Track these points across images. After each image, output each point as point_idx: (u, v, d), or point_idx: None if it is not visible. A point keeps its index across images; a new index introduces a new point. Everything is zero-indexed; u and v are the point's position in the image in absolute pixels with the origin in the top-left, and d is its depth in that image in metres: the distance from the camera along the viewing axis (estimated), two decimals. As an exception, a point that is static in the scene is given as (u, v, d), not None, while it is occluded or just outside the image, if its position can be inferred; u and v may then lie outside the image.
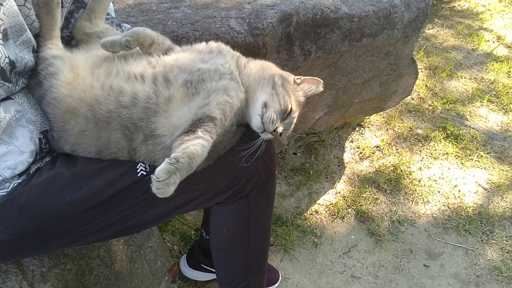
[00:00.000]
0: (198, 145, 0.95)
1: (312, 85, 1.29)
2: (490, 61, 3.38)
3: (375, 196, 2.26)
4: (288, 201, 2.21)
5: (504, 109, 2.92)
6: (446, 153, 2.53)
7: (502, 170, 2.45)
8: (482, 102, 2.96)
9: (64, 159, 1.13)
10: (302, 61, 1.75)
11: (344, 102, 2.19)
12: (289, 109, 1.18)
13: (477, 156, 2.52)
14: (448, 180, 2.38)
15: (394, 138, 2.62)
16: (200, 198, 1.18)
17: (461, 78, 3.18)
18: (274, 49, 1.66)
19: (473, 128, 2.72)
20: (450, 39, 3.64)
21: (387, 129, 2.68)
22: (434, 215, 2.19)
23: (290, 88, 1.23)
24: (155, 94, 1.07)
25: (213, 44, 1.25)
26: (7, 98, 1.06)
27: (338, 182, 2.33)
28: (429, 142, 2.60)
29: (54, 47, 1.15)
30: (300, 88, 1.27)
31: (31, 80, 1.14)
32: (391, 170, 2.40)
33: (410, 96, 2.79)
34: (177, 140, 0.98)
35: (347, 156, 2.49)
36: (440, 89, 3.04)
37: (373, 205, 2.22)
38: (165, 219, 1.28)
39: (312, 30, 1.72)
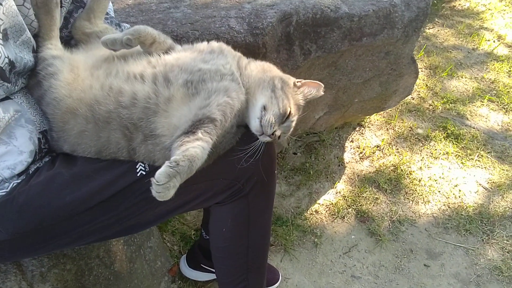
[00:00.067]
0: (198, 147, 0.94)
1: (313, 88, 1.27)
2: (491, 60, 3.38)
3: (376, 196, 2.25)
4: (288, 201, 2.21)
5: (504, 109, 2.91)
6: (447, 153, 2.53)
7: (503, 169, 2.44)
8: (482, 102, 2.95)
9: (64, 159, 1.13)
10: (302, 60, 1.75)
11: (344, 102, 2.19)
12: (288, 113, 1.17)
13: (477, 156, 2.52)
14: (449, 180, 2.37)
15: (394, 138, 2.61)
16: (199, 198, 1.18)
17: (462, 77, 3.18)
18: (274, 49, 1.65)
19: (474, 128, 2.72)
20: (451, 38, 3.64)
21: (387, 128, 2.68)
22: (435, 214, 2.19)
23: (290, 91, 1.22)
24: (155, 94, 1.06)
25: (214, 44, 1.24)
26: (6, 98, 1.06)
27: (338, 182, 2.32)
28: (430, 142, 2.60)
29: (53, 47, 1.14)
30: (300, 92, 1.26)
31: (30, 80, 1.14)
32: (392, 170, 2.40)
33: (410, 96, 2.78)
34: (177, 141, 0.98)
35: (347, 156, 2.49)
36: (440, 89, 3.04)
37: (373, 205, 2.21)
38: (165, 219, 1.28)
39: (312, 29, 1.72)
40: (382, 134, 2.64)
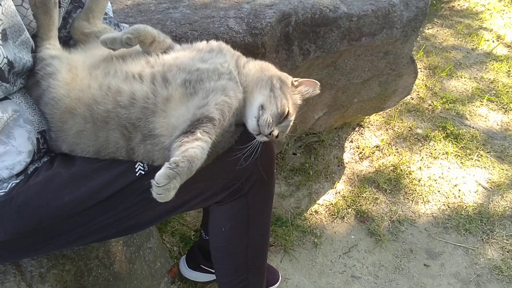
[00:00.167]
0: (198, 147, 0.94)
1: (309, 87, 1.28)
2: (490, 60, 3.38)
3: (375, 196, 2.25)
4: (288, 202, 2.21)
5: (504, 108, 2.91)
6: (446, 153, 2.53)
7: (502, 169, 2.44)
8: (482, 102, 2.95)
9: (62, 159, 1.13)
10: (301, 60, 1.75)
11: (344, 102, 2.19)
12: (286, 112, 1.17)
13: (477, 156, 2.52)
14: (448, 180, 2.37)
15: (394, 138, 2.61)
16: (199, 197, 1.18)
17: (461, 77, 3.18)
18: (273, 49, 1.65)
19: (473, 128, 2.72)
20: (450, 38, 3.64)
21: (386, 129, 2.68)
22: (434, 214, 2.19)
23: (288, 91, 1.22)
24: (153, 94, 1.06)
25: (213, 43, 1.24)
26: (5, 98, 1.06)
27: (338, 182, 2.32)
28: (429, 142, 2.60)
29: (52, 47, 1.14)
30: (297, 91, 1.26)
31: (29, 80, 1.14)
32: (391, 170, 2.40)
33: (409, 96, 2.79)
34: (176, 142, 0.98)
35: (346, 156, 2.49)
36: (439, 89, 3.04)
37: (373, 205, 2.21)
38: (164, 219, 1.28)
39: (311, 29, 1.72)
40: (381, 134, 2.64)
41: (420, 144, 2.59)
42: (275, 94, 1.16)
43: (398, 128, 2.68)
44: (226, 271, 1.38)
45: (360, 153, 2.50)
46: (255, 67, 1.23)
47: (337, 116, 2.34)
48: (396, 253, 2.01)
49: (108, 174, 1.07)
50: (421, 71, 3.16)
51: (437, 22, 3.85)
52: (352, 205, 2.20)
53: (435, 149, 2.55)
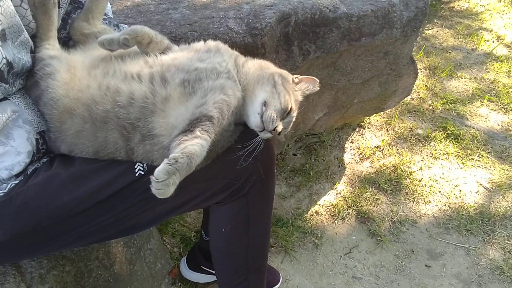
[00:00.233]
0: (197, 144, 0.94)
1: (309, 84, 1.30)
2: (490, 60, 3.38)
3: (376, 197, 2.25)
4: (289, 202, 2.20)
5: (504, 109, 2.91)
6: (447, 153, 2.52)
7: (503, 169, 2.44)
8: (482, 102, 2.95)
9: (62, 159, 1.12)
10: (301, 61, 1.75)
11: (344, 103, 2.19)
12: (289, 108, 1.18)
13: (477, 156, 2.51)
14: (449, 180, 2.37)
15: (394, 139, 2.61)
16: (199, 198, 1.18)
17: (461, 78, 3.18)
18: (273, 49, 1.65)
19: (474, 128, 2.71)
20: (450, 39, 3.64)
21: (387, 129, 2.68)
22: (435, 215, 2.18)
23: (290, 87, 1.23)
24: (152, 94, 1.06)
25: (211, 43, 1.25)
26: (4, 98, 1.05)
27: (339, 182, 2.32)
28: (430, 142, 2.60)
29: (51, 48, 1.15)
30: (298, 88, 1.28)
31: (28, 80, 1.14)
32: (392, 171, 2.39)
33: (410, 96, 2.78)
34: (175, 140, 0.98)
35: (347, 157, 2.49)
36: (440, 89, 3.04)
37: (373, 206, 2.21)
38: (164, 219, 1.28)
39: (310, 30, 1.72)
40: (382, 135, 2.63)
41: (421, 145, 2.58)
42: (278, 90, 1.16)
43: (398, 129, 2.67)
44: (226, 271, 1.38)
45: (361, 153, 2.50)
46: (254, 65, 1.24)
47: (338, 117, 2.34)
48: (397, 253, 2.00)
49: (108, 175, 1.06)
50: (421, 71, 3.16)
51: (437, 23, 3.85)
52: (353, 206, 2.19)
53: (436, 150, 2.54)
